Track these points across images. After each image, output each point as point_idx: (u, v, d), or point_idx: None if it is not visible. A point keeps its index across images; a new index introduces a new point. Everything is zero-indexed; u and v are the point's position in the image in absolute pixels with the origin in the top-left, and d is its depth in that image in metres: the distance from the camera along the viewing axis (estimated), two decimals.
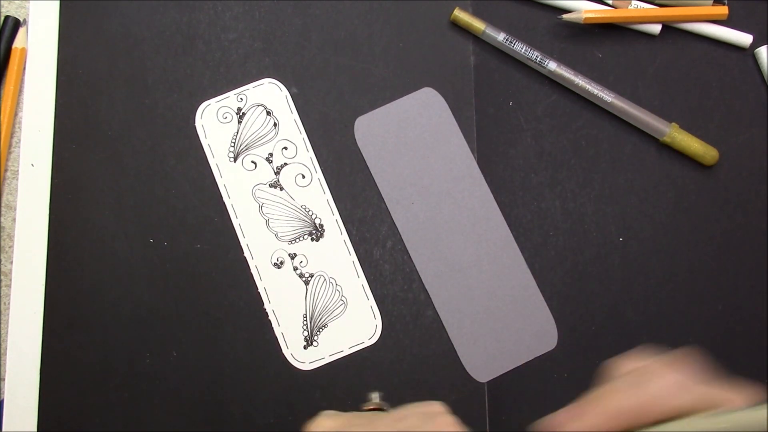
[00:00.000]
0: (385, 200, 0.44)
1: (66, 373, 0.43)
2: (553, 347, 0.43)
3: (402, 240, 0.44)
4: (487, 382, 0.42)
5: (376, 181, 0.44)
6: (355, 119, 0.45)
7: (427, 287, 0.43)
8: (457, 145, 0.45)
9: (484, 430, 0.42)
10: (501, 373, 0.42)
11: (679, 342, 0.43)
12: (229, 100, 0.45)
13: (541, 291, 0.43)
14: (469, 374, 0.42)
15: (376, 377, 0.43)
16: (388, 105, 0.45)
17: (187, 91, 0.45)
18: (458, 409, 0.42)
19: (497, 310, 0.43)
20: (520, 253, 0.44)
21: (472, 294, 0.43)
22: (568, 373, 0.43)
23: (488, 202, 0.44)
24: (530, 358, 0.43)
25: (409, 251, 0.44)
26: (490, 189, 0.44)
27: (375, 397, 0.40)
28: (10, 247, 0.44)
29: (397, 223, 0.44)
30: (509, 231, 0.44)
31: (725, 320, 0.44)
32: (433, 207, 0.44)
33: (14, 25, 0.46)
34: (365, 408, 0.39)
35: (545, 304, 0.43)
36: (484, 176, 0.44)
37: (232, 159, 0.44)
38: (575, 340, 0.43)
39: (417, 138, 0.45)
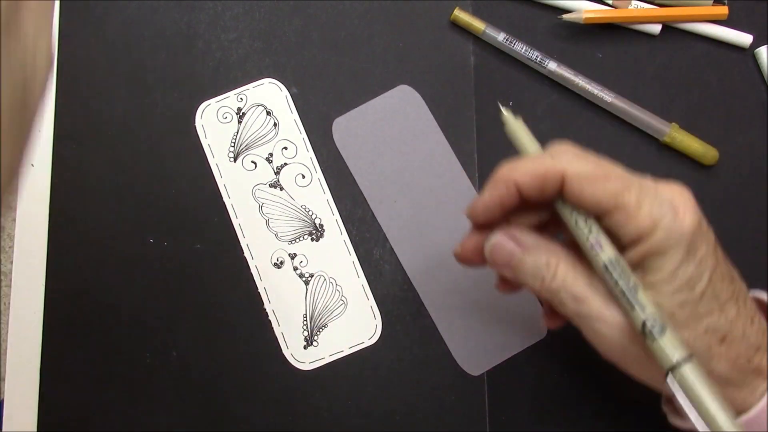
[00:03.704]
0: (368, 200, 0.44)
1: (66, 373, 0.43)
2: (543, 336, 0.43)
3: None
4: (487, 381, 0.42)
5: (357, 182, 0.44)
6: None
7: (414, 285, 0.43)
8: (435, 140, 0.45)
9: (484, 429, 0.42)
10: (493, 365, 0.42)
11: None
12: (229, 100, 0.45)
13: None
14: (469, 373, 0.42)
15: (376, 377, 0.43)
16: (364, 105, 0.45)
17: (187, 91, 0.45)
18: (458, 408, 0.42)
19: (486, 303, 0.43)
20: None
21: (459, 288, 0.43)
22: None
23: (471, 196, 0.44)
24: (522, 349, 0.43)
25: (395, 249, 0.44)
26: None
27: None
28: (10, 247, 0.44)
29: (380, 222, 0.44)
30: None
31: None
32: (415, 204, 0.44)
33: None
34: None
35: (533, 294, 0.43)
36: (484, 176, 0.44)
37: (232, 159, 0.44)
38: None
39: (395, 136, 0.45)
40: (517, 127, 0.34)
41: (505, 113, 0.35)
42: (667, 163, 0.45)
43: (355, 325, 0.43)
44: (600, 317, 0.31)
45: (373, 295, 0.43)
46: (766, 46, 0.46)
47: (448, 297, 0.43)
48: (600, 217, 0.31)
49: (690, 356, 0.29)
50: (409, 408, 0.42)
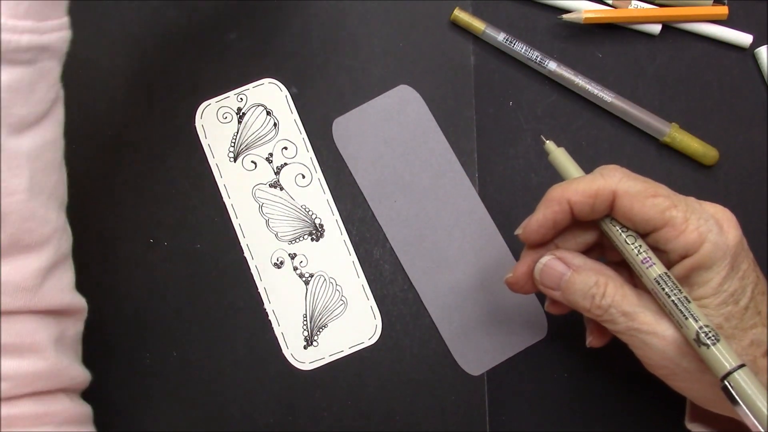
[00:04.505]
0: (368, 200, 0.44)
1: None
2: (544, 336, 0.43)
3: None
4: (487, 381, 0.42)
5: (357, 182, 0.44)
6: None
7: (414, 285, 0.43)
8: (435, 140, 0.45)
9: (484, 429, 0.42)
10: (493, 365, 0.42)
11: None
12: (229, 100, 0.45)
13: None
14: (468, 373, 0.42)
15: (376, 377, 0.43)
16: (364, 105, 0.45)
17: (187, 91, 0.45)
18: (458, 408, 0.42)
19: (486, 303, 0.43)
20: (505, 244, 0.44)
21: (459, 288, 0.43)
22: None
23: (471, 195, 0.44)
24: (522, 348, 0.43)
25: (395, 249, 0.44)
26: (490, 189, 0.44)
27: None
28: None
29: (380, 222, 0.44)
30: (492, 222, 0.44)
31: None
32: (415, 204, 0.44)
33: None
34: None
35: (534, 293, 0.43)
36: (484, 176, 0.44)
37: (232, 159, 0.44)
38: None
39: (395, 136, 0.45)
40: (560, 155, 0.36)
41: (548, 144, 0.36)
42: (667, 163, 0.45)
43: (355, 325, 0.43)
44: (651, 331, 0.32)
45: (373, 295, 0.43)
46: (766, 46, 0.46)
47: (448, 297, 0.43)
48: (647, 234, 0.33)
49: (743, 364, 0.30)
50: (409, 408, 0.42)
